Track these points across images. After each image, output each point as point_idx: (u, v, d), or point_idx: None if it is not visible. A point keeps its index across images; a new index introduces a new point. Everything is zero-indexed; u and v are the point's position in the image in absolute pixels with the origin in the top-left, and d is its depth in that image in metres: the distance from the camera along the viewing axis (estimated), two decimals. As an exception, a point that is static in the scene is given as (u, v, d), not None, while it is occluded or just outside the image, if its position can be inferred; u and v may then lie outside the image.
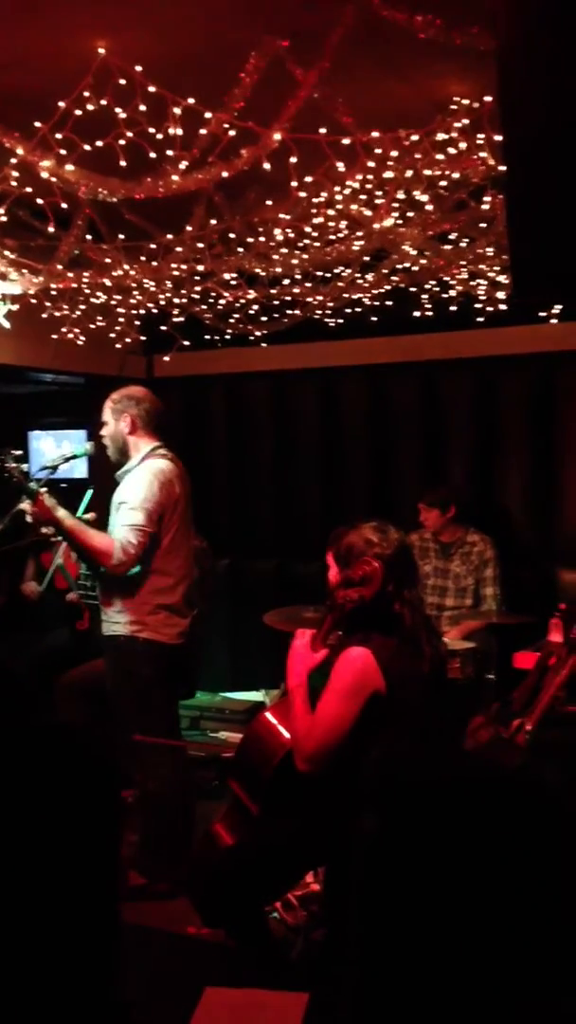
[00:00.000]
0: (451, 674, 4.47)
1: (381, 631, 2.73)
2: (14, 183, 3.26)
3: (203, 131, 3.04)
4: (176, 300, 4.98)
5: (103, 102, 2.91)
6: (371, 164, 3.33)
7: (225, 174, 3.21)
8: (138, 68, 2.86)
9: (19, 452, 3.81)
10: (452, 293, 5.00)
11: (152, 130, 2.99)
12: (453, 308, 5.10)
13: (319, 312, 5.41)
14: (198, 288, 4.80)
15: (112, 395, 3.97)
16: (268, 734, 2.96)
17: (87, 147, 3.04)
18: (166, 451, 3.93)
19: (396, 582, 2.75)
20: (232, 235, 4.32)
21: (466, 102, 3.22)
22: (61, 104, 2.93)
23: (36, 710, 4.69)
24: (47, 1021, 1.00)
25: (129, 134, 2.99)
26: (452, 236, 4.43)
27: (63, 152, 3.09)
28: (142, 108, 2.90)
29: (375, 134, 3.19)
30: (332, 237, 4.29)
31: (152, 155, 3.12)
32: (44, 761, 1.06)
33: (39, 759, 1.06)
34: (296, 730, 2.74)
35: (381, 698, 2.65)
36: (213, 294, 5.00)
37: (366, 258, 4.64)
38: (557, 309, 4.87)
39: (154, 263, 4.28)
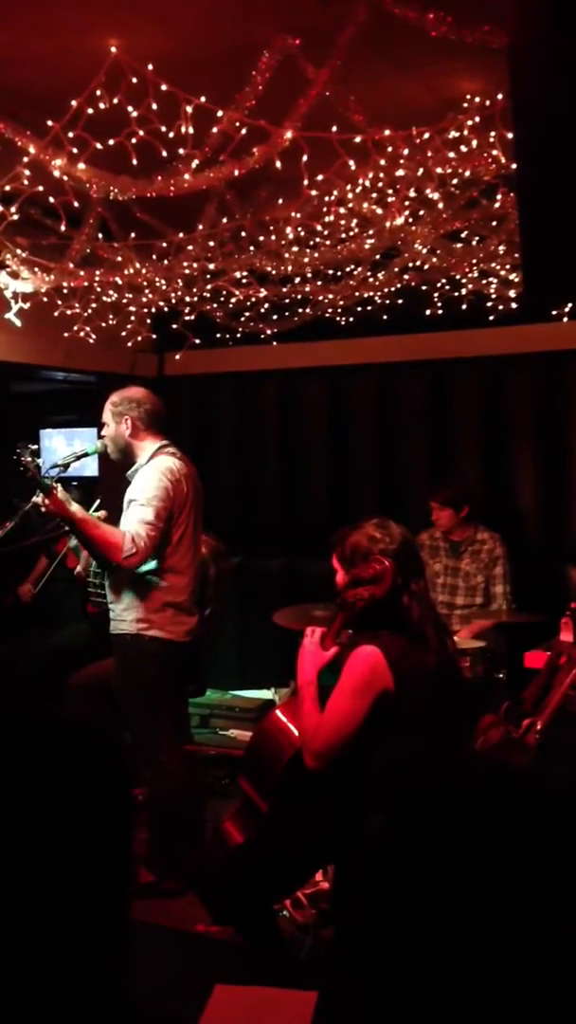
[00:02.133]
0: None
1: (390, 628, 2.73)
2: (26, 182, 3.26)
3: (215, 129, 3.04)
4: (187, 298, 4.98)
5: (115, 101, 2.91)
6: (382, 162, 3.33)
7: (237, 172, 3.21)
8: (150, 67, 2.86)
9: (35, 446, 3.81)
10: (463, 291, 4.99)
11: (164, 128, 2.99)
12: (464, 307, 5.09)
13: (330, 310, 5.41)
14: (209, 286, 4.81)
15: (111, 397, 3.95)
16: (279, 732, 2.96)
17: (99, 146, 3.04)
18: (174, 449, 3.93)
19: (403, 577, 2.76)
20: (243, 233, 4.33)
21: (477, 100, 3.21)
22: (73, 103, 2.94)
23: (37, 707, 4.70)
24: (57, 1018, 1.01)
25: (141, 133, 2.99)
26: (463, 234, 4.42)
27: (75, 151, 3.09)
28: (154, 107, 2.90)
29: (386, 132, 3.18)
30: (343, 235, 4.29)
31: (164, 154, 3.12)
32: (55, 756, 1.06)
33: (51, 754, 1.06)
34: (305, 727, 2.75)
35: (390, 696, 2.65)
36: (224, 292, 5.00)
37: (377, 256, 4.63)
38: (568, 307, 4.85)
39: (165, 261, 4.28)
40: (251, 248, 4.40)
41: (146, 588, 3.76)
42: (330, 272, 4.96)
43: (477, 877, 1.00)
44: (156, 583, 3.76)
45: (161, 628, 3.76)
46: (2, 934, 0.98)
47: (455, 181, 3.66)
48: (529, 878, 1.01)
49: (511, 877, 1.00)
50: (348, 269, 4.86)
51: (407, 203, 3.82)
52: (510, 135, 2.95)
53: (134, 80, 2.89)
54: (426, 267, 4.72)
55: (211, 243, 4.15)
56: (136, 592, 3.76)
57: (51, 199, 3.49)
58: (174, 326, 5.07)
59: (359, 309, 5.38)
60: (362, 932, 1.09)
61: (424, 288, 5.09)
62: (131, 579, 3.76)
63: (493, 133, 3.26)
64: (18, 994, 0.99)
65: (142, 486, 3.77)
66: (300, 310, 5.41)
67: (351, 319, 5.53)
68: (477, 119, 3.23)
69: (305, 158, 3.10)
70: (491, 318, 5.12)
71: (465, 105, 3.24)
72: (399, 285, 5.00)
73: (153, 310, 5.25)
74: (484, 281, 4.81)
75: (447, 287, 5.03)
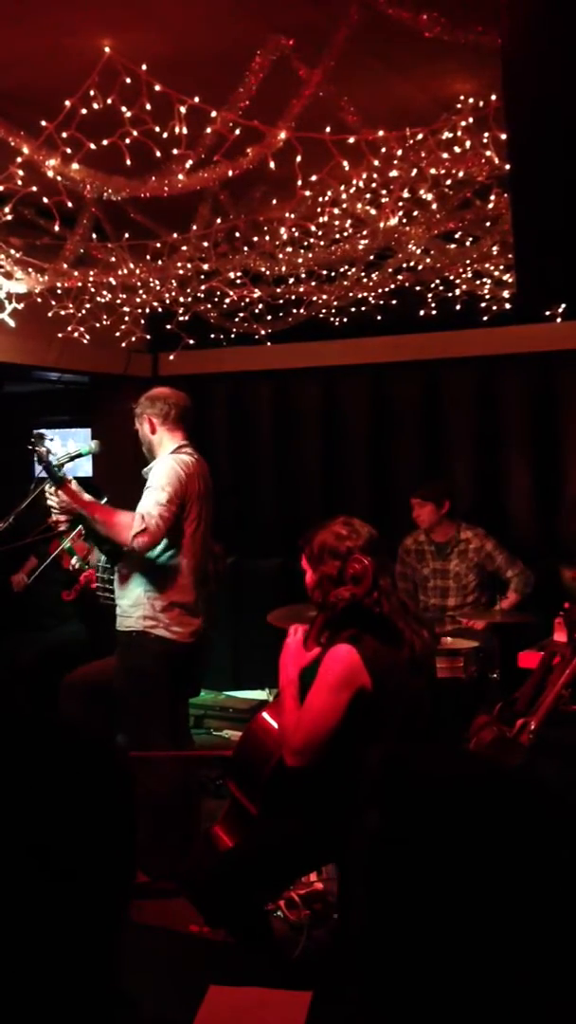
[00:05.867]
0: (454, 673, 4.48)
1: (366, 626, 2.74)
2: (20, 182, 3.26)
3: (208, 130, 3.04)
4: (181, 299, 4.98)
5: (109, 101, 2.91)
6: (376, 163, 3.33)
7: (230, 173, 3.21)
8: (144, 67, 2.86)
9: (52, 437, 3.82)
10: (456, 292, 5.00)
11: (157, 129, 2.99)
12: (457, 307, 5.10)
13: (324, 311, 5.41)
14: (203, 287, 4.81)
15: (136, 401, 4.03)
16: (265, 735, 2.96)
17: (92, 146, 3.04)
18: (191, 450, 3.95)
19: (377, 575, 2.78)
20: (237, 234, 4.33)
21: (471, 100, 3.21)
22: (67, 103, 2.93)
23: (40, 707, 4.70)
24: (54, 1016, 1.01)
25: (135, 133, 2.99)
26: (457, 235, 4.43)
27: (69, 151, 3.09)
28: (148, 107, 2.90)
29: (380, 133, 3.19)
30: (337, 236, 4.29)
31: (158, 154, 3.12)
32: (57, 758, 1.06)
33: (52, 756, 1.06)
34: (284, 724, 2.76)
35: (367, 694, 2.66)
36: (218, 293, 5.00)
37: (371, 257, 4.64)
38: (562, 308, 4.85)
39: (159, 262, 4.28)
40: (245, 248, 4.40)
41: (155, 586, 3.76)
42: (324, 272, 4.96)
43: (474, 875, 1.00)
44: (162, 579, 3.76)
45: (167, 628, 3.77)
46: (1, 933, 0.98)
47: (448, 182, 3.67)
48: (526, 876, 1.01)
49: (508, 875, 1.00)
50: (342, 269, 4.86)
51: (401, 204, 3.83)
52: (503, 136, 2.95)
53: (128, 80, 2.89)
54: (420, 268, 4.72)
55: (205, 243, 4.15)
56: (145, 589, 3.77)
57: (45, 199, 3.48)
58: (168, 326, 5.06)
59: (353, 309, 5.38)
60: (360, 931, 1.10)
61: (418, 288, 5.10)
62: (141, 575, 3.76)
63: (486, 134, 3.26)
64: (16, 992, 0.99)
65: (156, 475, 3.80)
66: (294, 310, 5.41)
67: (345, 319, 5.53)
68: (471, 120, 3.23)
69: (299, 159, 3.10)
70: (485, 319, 5.13)
71: (459, 106, 3.24)
72: (393, 285, 5.00)
73: (147, 310, 5.25)
74: (478, 282, 4.82)
75: (441, 288, 5.03)
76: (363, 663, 2.66)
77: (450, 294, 5.04)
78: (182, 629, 3.81)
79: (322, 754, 2.67)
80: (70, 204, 3.47)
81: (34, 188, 3.34)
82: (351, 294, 5.09)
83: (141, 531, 3.62)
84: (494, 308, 5.01)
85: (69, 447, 5.25)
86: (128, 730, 3.87)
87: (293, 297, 5.20)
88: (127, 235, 4.22)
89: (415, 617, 2.90)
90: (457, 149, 3.33)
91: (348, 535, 2.81)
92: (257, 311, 5.30)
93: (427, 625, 2.95)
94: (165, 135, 3.02)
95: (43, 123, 3.02)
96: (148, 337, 5.66)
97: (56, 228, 3.72)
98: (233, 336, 5.68)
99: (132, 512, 3.71)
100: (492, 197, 3.81)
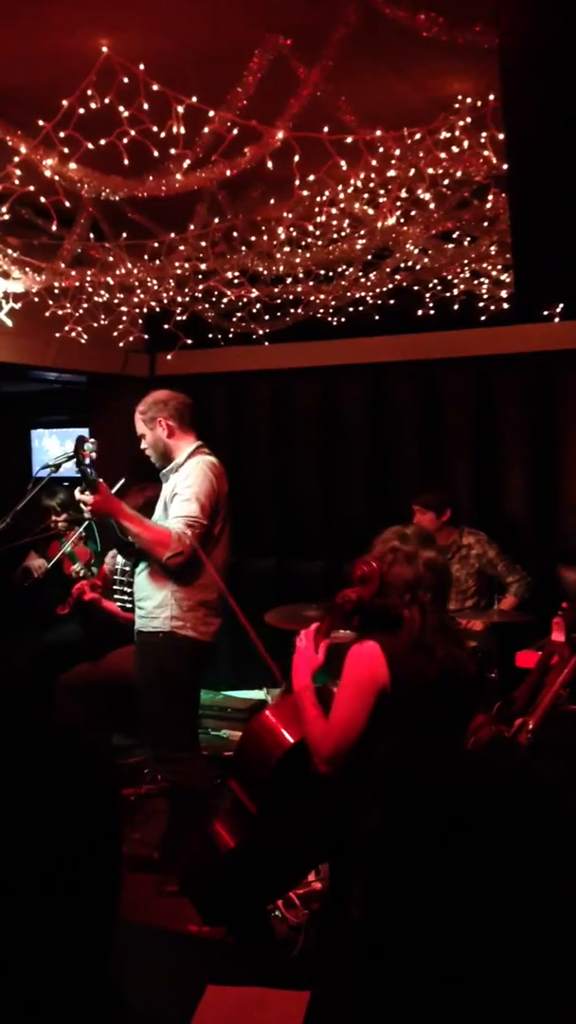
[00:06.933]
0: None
1: (391, 631, 2.72)
2: (17, 181, 3.25)
3: (206, 129, 3.04)
4: (179, 298, 4.98)
5: (106, 100, 2.90)
6: (374, 162, 3.33)
7: (228, 173, 3.21)
8: (141, 66, 2.85)
9: (93, 440, 3.81)
10: (454, 292, 5.00)
11: (155, 128, 2.98)
12: (455, 307, 5.10)
13: (321, 311, 5.41)
14: (201, 286, 4.80)
15: (138, 407, 3.98)
16: (267, 734, 2.96)
17: (90, 145, 3.04)
18: (208, 450, 3.95)
19: (399, 588, 2.74)
20: (235, 233, 4.33)
21: (469, 100, 3.21)
22: (64, 102, 2.93)
23: (34, 707, 4.70)
24: (48, 1016, 1.00)
25: (132, 132, 2.99)
26: (455, 235, 4.43)
27: (66, 150, 3.09)
28: (145, 106, 2.90)
29: (378, 132, 3.19)
30: (335, 236, 4.29)
31: (155, 153, 3.12)
32: (42, 758, 1.06)
33: (37, 756, 1.06)
34: (311, 733, 2.74)
35: (387, 694, 2.65)
36: (216, 292, 5.00)
37: (369, 257, 4.64)
38: (560, 308, 4.86)
39: (157, 261, 4.28)
40: (243, 248, 4.40)
41: (183, 586, 3.76)
42: (322, 272, 4.97)
43: (474, 872, 1.00)
44: (189, 579, 3.75)
45: (194, 628, 3.78)
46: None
47: (446, 181, 3.67)
48: (524, 874, 1.01)
49: (507, 873, 1.00)
50: (340, 269, 4.87)
51: (399, 203, 3.83)
52: (501, 136, 2.96)
53: (125, 80, 2.88)
54: (418, 267, 4.72)
55: (203, 243, 4.15)
56: (172, 590, 3.76)
57: (42, 199, 3.48)
58: (166, 326, 5.06)
59: (351, 309, 5.38)
60: (358, 927, 1.10)
61: (416, 288, 5.10)
62: (168, 576, 3.75)
63: (484, 134, 3.26)
64: (11, 993, 0.99)
65: (187, 481, 3.77)
66: (292, 310, 5.41)
67: (343, 319, 5.53)
68: (468, 120, 3.23)
69: (296, 158, 3.10)
70: (483, 318, 5.13)
71: (456, 106, 3.24)
72: (391, 285, 5.00)
73: (145, 310, 5.24)
74: (476, 281, 4.82)
75: (439, 287, 5.04)
76: (384, 660, 2.65)
77: (448, 294, 5.04)
78: (207, 629, 3.82)
79: (352, 757, 2.66)
80: (68, 204, 3.47)
81: (31, 188, 3.34)
82: (349, 294, 5.09)
83: (176, 554, 3.62)
84: (492, 308, 5.01)
85: (67, 447, 5.24)
86: (153, 730, 3.87)
87: (291, 297, 5.21)
88: (125, 235, 4.22)
89: (453, 637, 2.85)
90: (455, 149, 3.33)
91: (395, 539, 2.78)
92: (255, 311, 5.31)
93: (464, 646, 2.90)
94: (163, 135, 3.01)
95: (41, 123, 3.02)
96: (146, 337, 5.66)
97: (54, 228, 3.72)
98: (231, 336, 5.68)
99: (165, 528, 3.67)
100: (490, 197, 3.81)
